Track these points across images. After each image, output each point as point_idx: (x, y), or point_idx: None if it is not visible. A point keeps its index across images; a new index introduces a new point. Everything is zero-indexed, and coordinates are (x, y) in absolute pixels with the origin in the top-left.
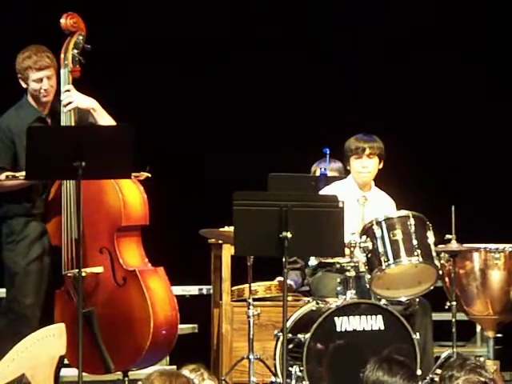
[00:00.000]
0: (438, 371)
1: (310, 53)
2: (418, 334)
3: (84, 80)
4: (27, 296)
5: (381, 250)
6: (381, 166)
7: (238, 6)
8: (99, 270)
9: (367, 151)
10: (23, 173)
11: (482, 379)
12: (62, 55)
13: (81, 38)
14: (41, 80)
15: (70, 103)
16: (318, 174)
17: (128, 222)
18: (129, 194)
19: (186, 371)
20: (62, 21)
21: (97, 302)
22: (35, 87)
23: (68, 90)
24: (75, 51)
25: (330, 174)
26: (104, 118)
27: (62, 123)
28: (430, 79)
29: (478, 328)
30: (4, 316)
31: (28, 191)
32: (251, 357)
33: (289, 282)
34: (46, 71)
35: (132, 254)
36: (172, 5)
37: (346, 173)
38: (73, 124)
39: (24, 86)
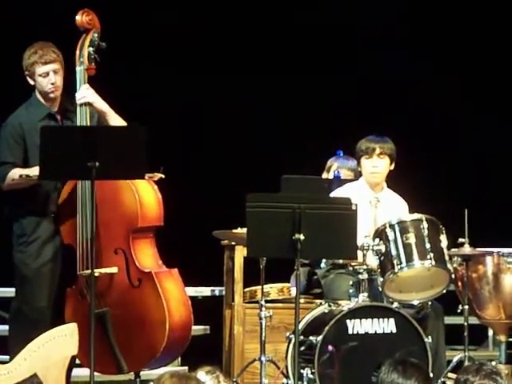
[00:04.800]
0: (450, 375)
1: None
2: (430, 337)
3: (97, 79)
4: (38, 299)
5: (394, 252)
6: (392, 167)
7: None
8: (114, 270)
9: (377, 151)
10: (36, 172)
11: None
12: (78, 52)
13: (96, 35)
14: (47, 74)
15: (84, 97)
16: (333, 169)
17: (144, 223)
18: (145, 195)
19: (201, 373)
20: (78, 18)
21: (111, 303)
22: (42, 82)
23: (83, 94)
24: (91, 49)
25: (345, 172)
26: (117, 122)
27: (78, 120)
28: (442, 80)
29: (490, 332)
30: (15, 318)
31: (40, 191)
32: (263, 359)
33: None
34: (51, 65)
35: (147, 255)
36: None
37: (360, 175)
38: (88, 121)
39: (32, 82)
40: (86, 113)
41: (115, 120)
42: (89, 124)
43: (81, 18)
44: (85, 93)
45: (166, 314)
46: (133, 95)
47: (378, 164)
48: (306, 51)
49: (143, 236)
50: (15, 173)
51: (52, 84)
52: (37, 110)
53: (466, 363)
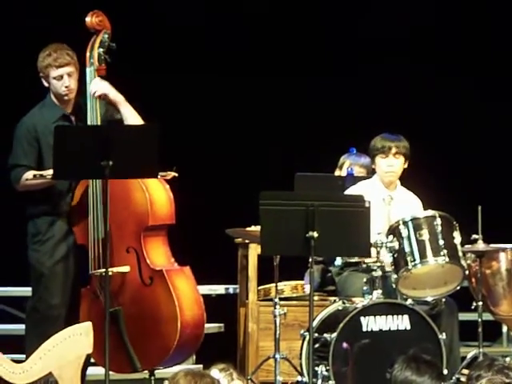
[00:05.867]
0: (465, 371)
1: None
2: (444, 333)
3: (107, 79)
4: (53, 297)
5: (407, 249)
6: (406, 165)
7: None
8: (126, 269)
9: (393, 150)
10: (50, 171)
11: (507, 380)
12: (88, 54)
13: (106, 36)
14: (61, 77)
15: (99, 89)
16: (345, 166)
17: (155, 222)
18: (155, 193)
19: (215, 370)
20: (88, 19)
21: (123, 302)
22: (56, 85)
23: (96, 84)
24: (101, 50)
25: (358, 169)
26: (131, 112)
27: (88, 118)
28: (454, 79)
29: (505, 328)
30: (30, 317)
31: (53, 191)
32: (277, 356)
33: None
34: (66, 68)
35: (159, 254)
36: None
37: (372, 172)
38: (99, 118)
39: (46, 84)
40: (97, 106)
41: (131, 111)
42: (99, 117)
43: (91, 19)
44: (99, 85)
45: (178, 312)
46: (144, 95)
47: (393, 163)
48: (320, 49)
49: (155, 234)
50: (30, 175)
51: (66, 87)
52: (51, 112)
53: (481, 359)
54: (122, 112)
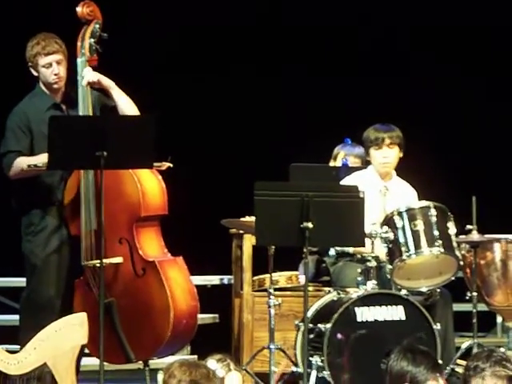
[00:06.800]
0: (459, 362)
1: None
2: (438, 324)
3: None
4: (47, 287)
5: (402, 240)
6: (401, 154)
7: None
8: (118, 260)
9: (387, 141)
10: (43, 159)
11: (510, 373)
12: (79, 44)
13: (97, 26)
14: (50, 65)
15: (91, 77)
16: (340, 156)
17: (147, 212)
18: (147, 184)
19: (212, 361)
20: (79, 9)
21: (116, 293)
22: (46, 73)
23: (87, 73)
24: (92, 40)
25: (353, 159)
26: (124, 98)
27: (80, 108)
28: (450, 69)
29: (499, 318)
30: (25, 307)
31: (46, 181)
32: (272, 346)
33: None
34: (54, 55)
35: (151, 245)
36: None
37: (367, 163)
38: (90, 108)
39: (35, 73)
40: (89, 96)
41: (122, 96)
42: (91, 107)
43: (81, 9)
44: (91, 72)
45: (171, 302)
46: (138, 85)
47: (388, 154)
48: (318, 41)
49: (147, 225)
50: (23, 162)
51: (55, 75)
52: (41, 101)
53: (475, 350)
54: (114, 98)
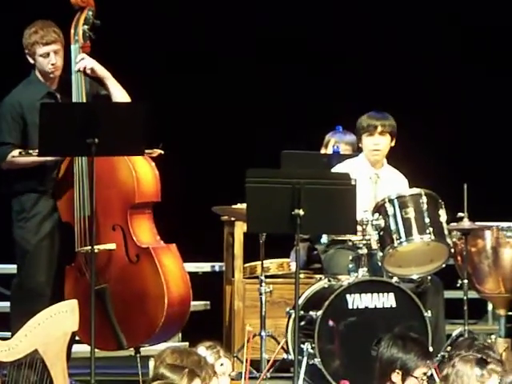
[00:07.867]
0: (450, 349)
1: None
2: (429, 311)
3: (99, 55)
4: (38, 273)
5: (393, 227)
6: (393, 143)
7: None
8: (112, 246)
9: (379, 129)
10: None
11: (479, 355)
12: (72, 31)
13: (90, 13)
14: (48, 54)
15: (86, 64)
16: (331, 144)
17: (141, 199)
18: (142, 171)
19: (202, 348)
20: None
21: (110, 279)
22: (43, 62)
23: (83, 58)
24: (85, 27)
25: (344, 146)
26: (117, 87)
27: (74, 95)
28: (444, 56)
29: (490, 306)
30: (16, 294)
31: (39, 168)
32: (263, 334)
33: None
34: (52, 45)
35: (145, 231)
36: None
37: (358, 150)
38: (84, 95)
39: (31, 61)
40: (82, 82)
41: (115, 85)
42: (84, 94)
43: None
44: (86, 59)
45: (165, 289)
46: (131, 72)
47: (379, 141)
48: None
49: (141, 212)
50: (15, 152)
51: (52, 64)
52: (36, 89)
53: (466, 337)
54: (108, 87)
